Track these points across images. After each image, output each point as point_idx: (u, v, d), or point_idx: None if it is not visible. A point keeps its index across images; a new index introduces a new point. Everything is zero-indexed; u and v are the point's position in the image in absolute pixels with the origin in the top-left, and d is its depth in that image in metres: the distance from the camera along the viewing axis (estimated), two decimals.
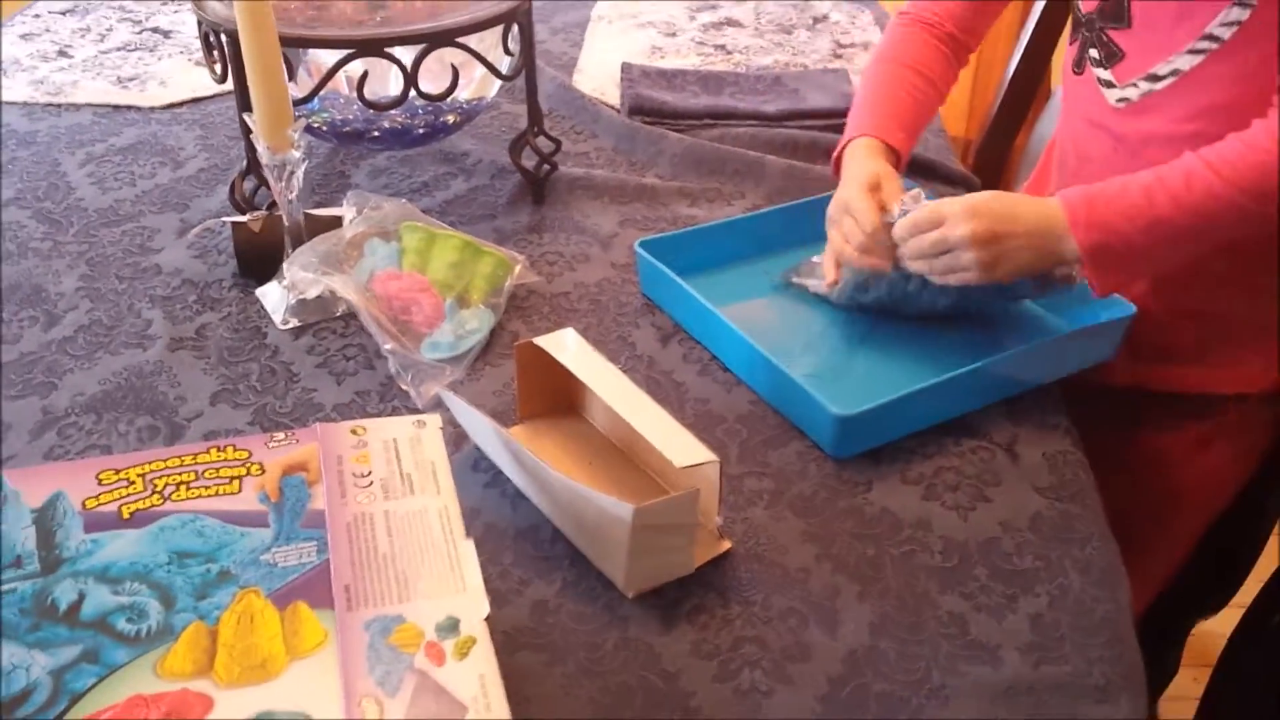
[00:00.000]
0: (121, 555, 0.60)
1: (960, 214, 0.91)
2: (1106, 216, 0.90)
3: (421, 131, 1.23)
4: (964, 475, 0.88)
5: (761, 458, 0.89)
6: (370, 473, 0.67)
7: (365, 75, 1.06)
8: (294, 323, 1.02)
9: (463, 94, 1.19)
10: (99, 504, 0.63)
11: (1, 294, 1.05)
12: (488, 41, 1.13)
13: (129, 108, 1.42)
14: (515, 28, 1.15)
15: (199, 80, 1.44)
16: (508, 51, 1.16)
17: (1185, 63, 0.94)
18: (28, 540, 0.60)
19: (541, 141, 1.24)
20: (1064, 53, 1.12)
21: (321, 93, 1.10)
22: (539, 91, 1.23)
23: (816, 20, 1.75)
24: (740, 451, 0.90)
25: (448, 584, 0.60)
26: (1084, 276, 0.92)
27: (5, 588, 0.58)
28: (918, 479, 0.88)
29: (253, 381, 0.95)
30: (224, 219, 1.11)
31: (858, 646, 0.74)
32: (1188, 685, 1.28)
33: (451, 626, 0.58)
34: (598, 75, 1.55)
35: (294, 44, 1.04)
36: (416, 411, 0.93)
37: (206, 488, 0.64)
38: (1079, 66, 1.06)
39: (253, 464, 0.66)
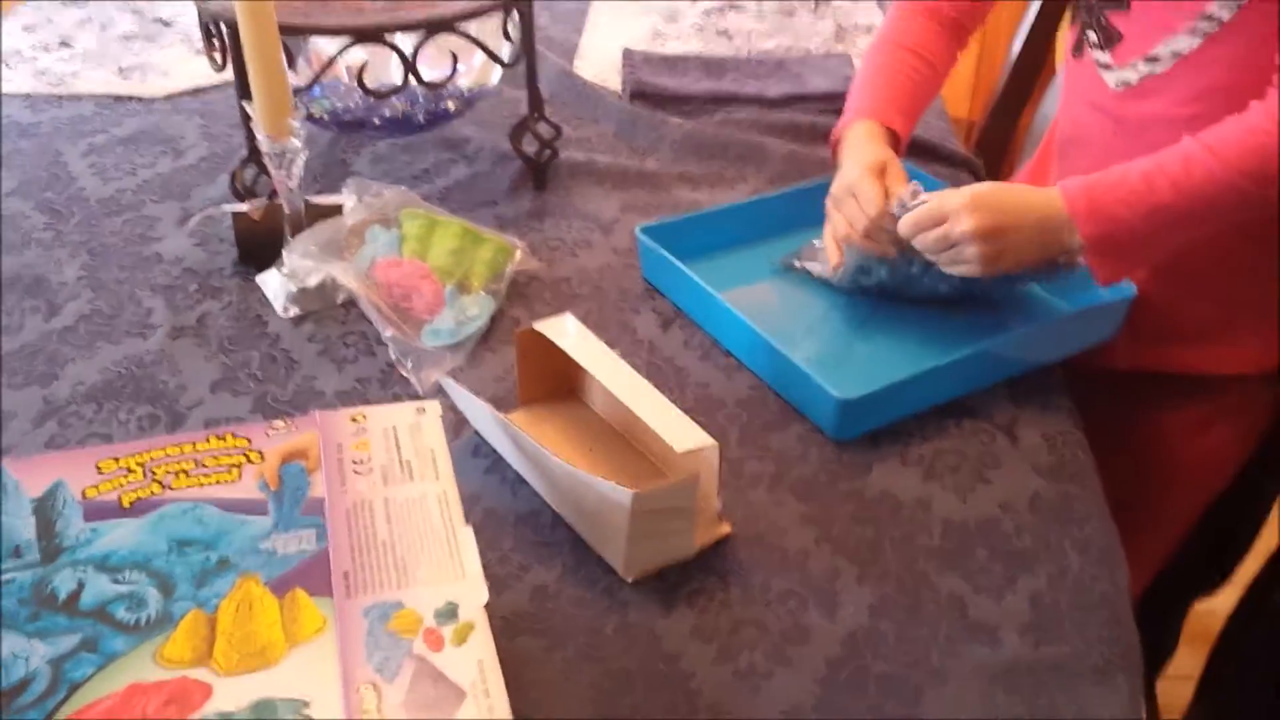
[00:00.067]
0: (121, 544, 0.60)
1: (963, 209, 0.90)
2: (1108, 206, 0.89)
3: (422, 119, 1.23)
4: (964, 457, 0.88)
5: (762, 441, 0.89)
6: (370, 459, 0.67)
7: (365, 63, 1.06)
8: (294, 310, 1.02)
9: (463, 81, 1.19)
10: (99, 493, 0.63)
11: (2, 284, 1.05)
12: (488, 28, 1.13)
13: (130, 98, 1.42)
14: (515, 13, 1.14)
15: (200, 70, 1.44)
16: (508, 38, 1.16)
17: (1184, 44, 0.94)
18: (27, 529, 0.60)
19: (542, 128, 1.23)
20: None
21: (322, 81, 1.10)
22: (540, 77, 1.23)
23: (819, 3, 1.74)
24: (741, 435, 0.90)
25: (447, 570, 0.60)
26: (1087, 264, 0.92)
27: (5, 577, 0.58)
28: (918, 461, 0.88)
29: (253, 369, 0.95)
30: (225, 207, 1.11)
31: (857, 628, 0.74)
32: (1187, 663, 1.28)
33: (450, 612, 0.58)
34: (599, 61, 1.55)
35: (293, 32, 1.03)
36: (417, 398, 0.93)
37: (206, 476, 0.65)
38: (1078, 50, 1.06)
39: (252, 452, 0.66)
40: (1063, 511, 0.84)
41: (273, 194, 1.08)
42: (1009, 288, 1.04)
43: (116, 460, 0.65)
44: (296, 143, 0.98)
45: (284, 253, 1.03)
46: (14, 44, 1.55)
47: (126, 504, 0.62)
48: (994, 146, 1.65)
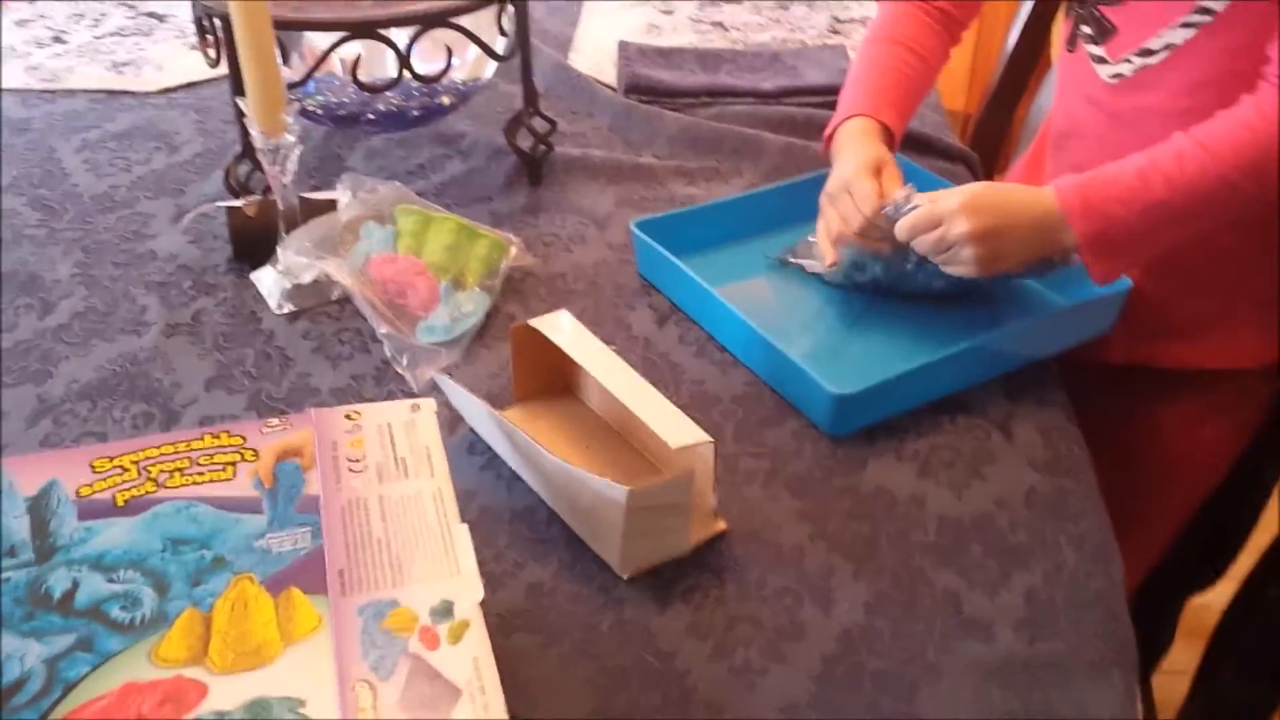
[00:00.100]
0: (116, 543, 0.60)
1: (958, 211, 0.90)
2: (1102, 204, 0.89)
3: (416, 113, 1.22)
4: (959, 452, 0.88)
5: (757, 437, 0.89)
6: (365, 457, 0.67)
7: (359, 58, 1.06)
8: (289, 307, 1.02)
9: (457, 75, 1.18)
10: (93, 492, 0.63)
11: (4, 280, 1.05)
12: (483, 21, 1.12)
13: (124, 93, 1.41)
14: (510, 7, 1.14)
15: (194, 65, 1.43)
16: (502, 31, 1.16)
17: (1178, 37, 0.94)
18: (22, 529, 0.60)
19: (537, 122, 1.23)
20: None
21: (316, 76, 1.09)
22: (535, 71, 1.22)
23: None
24: (736, 431, 0.90)
25: (442, 568, 0.60)
26: (1082, 262, 0.92)
27: (0, 576, 0.58)
28: (913, 456, 0.88)
29: (248, 367, 0.95)
30: (219, 204, 1.10)
31: (852, 625, 0.74)
32: (1183, 658, 1.28)
33: (445, 610, 0.58)
34: (594, 54, 1.54)
35: (287, 27, 1.03)
36: (413, 395, 0.93)
37: (201, 474, 0.65)
38: (1072, 43, 1.06)
39: (247, 450, 0.66)
40: (1058, 507, 0.84)
41: (267, 190, 1.08)
42: (1004, 283, 1.04)
43: (111, 459, 0.65)
44: (290, 138, 0.98)
45: (278, 249, 1.03)
46: (7, 39, 1.54)
47: (121, 503, 0.62)
48: (990, 139, 1.65)
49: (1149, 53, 0.96)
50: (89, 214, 1.16)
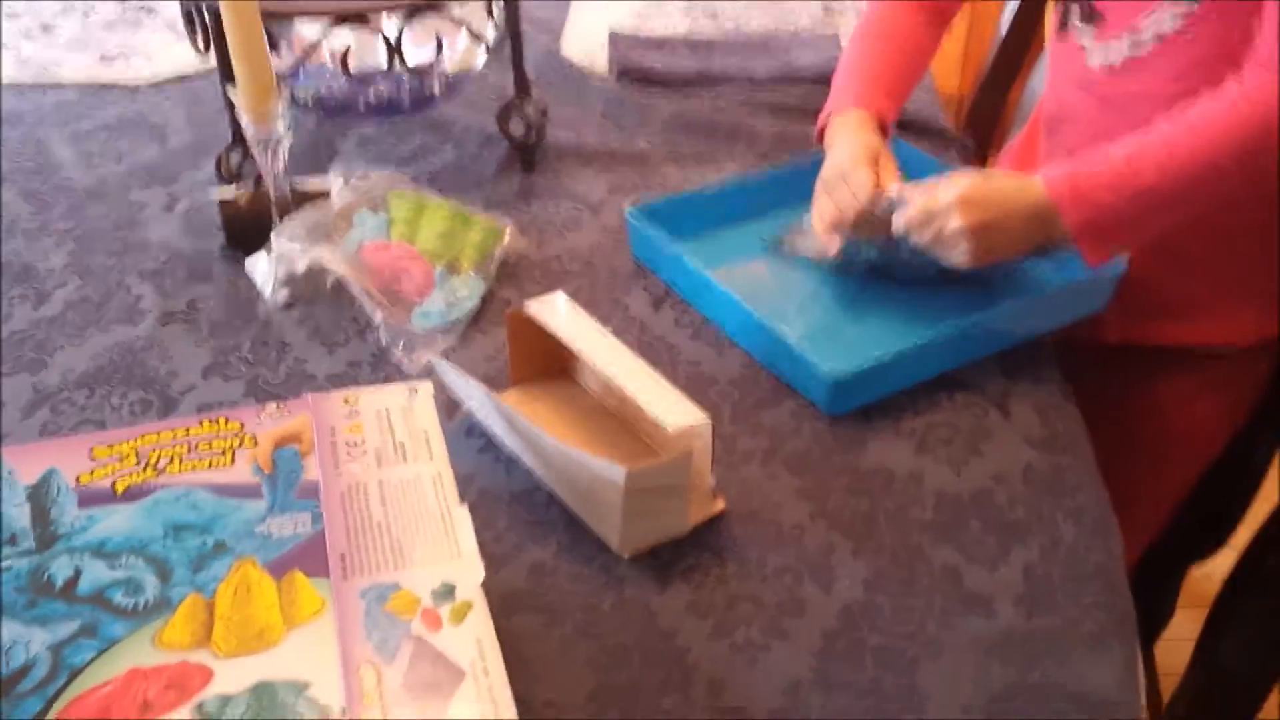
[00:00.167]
0: (116, 530, 0.60)
1: (952, 206, 0.91)
2: (1091, 192, 0.89)
3: (407, 102, 1.22)
4: (957, 430, 0.88)
5: (755, 418, 0.90)
6: (363, 442, 0.67)
7: (349, 47, 1.06)
8: (284, 295, 1.02)
9: (448, 63, 1.18)
10: (93, 479, 0.63)
11: (2, 271, 1.05)
12: (473, 9, 1.12)
13: (114, 85, 1.41)
14: None
15: (184, 55, 1.43)
16: (493, 19, 1.16)
17: (1167, 22, 0.94)
18: (22, 518, 0.60)
19: (529, 109, 1.23)
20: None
21: (306, 65, 1.09)
22: (526, 59, 1.22)
23: None
24: (733, 412, 0.90)
25: (443, 550, 0.60)
26: (1076, 248, 0.92)
27: (2, 565, 0.58)
28: (910, 434, 0.88)
29: (244, 354, 0.95)
30: (211, 193, 1.10)
31: (852, 602, 0.74)
32: (1185, 627, 1.29)
33: (447, 592, 0.58)
34: (585, 41, 1.54)
35: (276, 16, 1.03)
36: (409, 381, 0.92)
37: (200, 460, 0.65)
38: (1062, 29, 1.06)
39: (245, 436, 0.66)
40: (1055, 482, 0.84)
41: (259, 179, 1.07)
42: (999, 264, 1.04)
43: (110, 446, 0.65)
44: (281, 127, 0.97)
45: (272, 237, 1.02)
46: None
47: (120, 490, 0.62)
48: (984, 121, 1.65)
49: (1138, 38, 0.96)
50: (81, 204, 1.16)
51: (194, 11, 1.07)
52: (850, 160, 1.00)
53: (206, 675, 0.54)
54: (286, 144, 0.99)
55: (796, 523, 0.80)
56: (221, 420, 0.67)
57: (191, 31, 1.09)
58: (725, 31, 1.57)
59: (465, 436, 0.87)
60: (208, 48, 1.07)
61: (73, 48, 1.49)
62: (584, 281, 1.05)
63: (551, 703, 0.68)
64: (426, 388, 0.71)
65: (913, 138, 1.27)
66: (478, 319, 1.00)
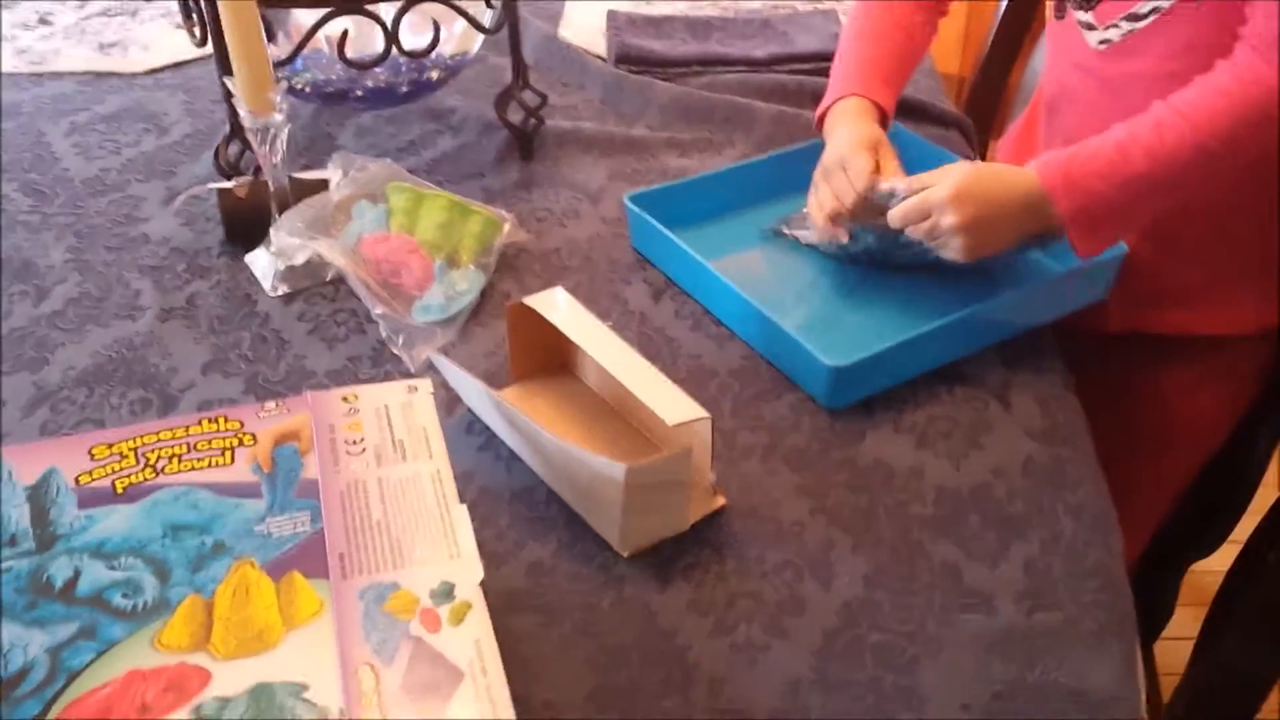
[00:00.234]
0: (116, 530, 0.60)
1: (947, 202, 0.91)
2: (1083, 179, 0.89)
3: (405, 89, 1.22)
4: (956, 423, 0.88)
5: (755, 412, 0.89)
6: (362, 440, 0.67)
7: (346, 34, 1.05)
8: (283, 289, 1.02)
9: (446, 49, 1.17)
10: (92, 479, 0.63)
11: (2, 267, 1.05)
12: None
13: (112, 74, 1.40)
14: None
15: (181, 44, 1.43)
16: (490, 4, 1.15)
17: (1164, 0, 0.93)
18: (22, 518, 0.60)
19: (527, 95, 1.22)
20: None
21: (304, 53, 1.08)
22: (523, 44, 1.21)
23: None
24: (734, 406, 0.90)
25: (442, 549, 0.60)
26: (1068, 237, 0.92)
27: (2, 566, 0.58)
28: (910, 428, 0.88)
29: (244, 350, 0.95)
30: (210, 185, 1.10)
31: (852, 598, 0.74)
32: (1186, 625, 1.29)
33: (446, 592, 0.58)
34: (584, 24, 1.53)
35: (272, 4, 1.02)
36: (409, 375, 0.93)
37: (199, 460, 0.65)
38: (1060, 10, 1.05)
39: (245, 434, 0.66)
40: (1056, 476, 0.84)
41: (258, 170, 1.07)
42: (1000, 256, 1.03)
43: (109, 446, 0.65)
44: (279, 117, 0.97)
45: (271, 230, 1.02)
46: None
47: (120, 490, 0.62)
48: (984, 102, 1.64)
49: (1136, 17, 0.96)
50: (80, 198, 1.16)
51: (190, 1, 1.06)
52: (849, 147, 1.00)
53: (205, 677, 0.54)
54: (285, 134, 0.98)
55: (796, 519, 0.80)
56: (221, 419, 0.67)
57: (189, 22, 1.09)
58: (723, 11, 1.56)
59: (465, 433, 0.87)
60: (205, 37, 1.07)
61: (70, 38, 1.49)
62: (583, 274, 1.05)
63: (550, 703, 0.68)
64: (426, 385, 0.70)
65: (913, 121, 1.27)
66: (477, 312, 1.00)
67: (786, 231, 1.08)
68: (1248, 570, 1.10)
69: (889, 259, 1.02)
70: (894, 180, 0.97)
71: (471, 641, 0.56)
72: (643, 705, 0.68)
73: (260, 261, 1.04)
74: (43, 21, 1.53)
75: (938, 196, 0.91)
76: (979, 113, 1.61)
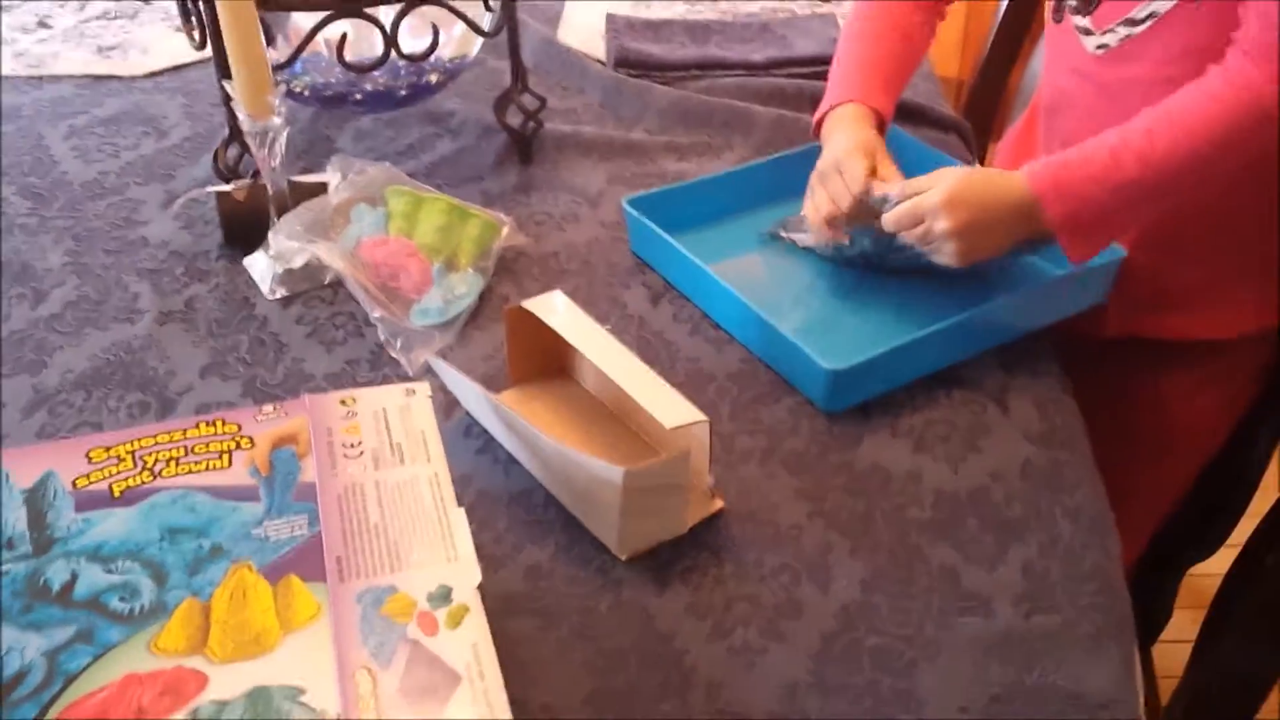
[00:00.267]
0: (113, 534, 0.60)
1: (939, 208, 0.91)
2: (1073, 185, 0.89)
3: (404, 93, 1.22)
4: (954, 426, 0.88)
5: (753, 415, 0.89)
6: (360, 443, 0.67)
7: (345, 37, 1.05)
8: (282, 292, 1.02)
9: (445, 52, 1.17)
10: (90, 483, 0.63)
11: (2, 270, 1.05)
12: None
13: (111, 77, 1.40)
14: None
15: (180, 47, 1.42)
16: (488, 7, 1.15)
17: (1161, 5, 0.93)
18: (19, 521, 0.60)
19: (527, 99, 1.23)
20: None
21: (302, 56, 1.08)
22: (523, 47, 1.22)
23: None
24: (732, 410, 0.90)
25: (439, 553, 0.61)
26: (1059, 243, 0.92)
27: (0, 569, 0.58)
28: (908, 432, 0.88)
29: (242, 353, 0.95)
30: (208, 189, 1.10)
31: (850, 602, 0.74)
32: (1184, 628, 1.29)
33: (444, 596, 0.58)
34: (583, 28, 1.53)
35: (271, 7, 1.02)
36: (408, 379, 0.93)
37: (197, 463, 0.65)
38: (1058, 15, 1.05)
39: (242, 438, 0.66)
40: (1054, 479, 0.84)
41: (256, 174, 1.07)
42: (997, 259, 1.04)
43: (107, 449, 0.65)
44: (278, 120, 0.97)
45: (269, 234, 1.02)
46: None
47: (117, 493, 0.62)
48: (983, 105, 1.64)
49: (1133, 22, 0.96)
50: (79, 201, 1.16)
51: (190, 3, 1.07)
52: (845, 152, 1.00)
53: (202, 681, 0.54)
54: (283, 138, 0.98)
55: (794, 522, 0.80)
56: (219, 422, 0.67)
57: (188, 25, 1.09)
58: (722, 15, 1.56)
59: (463, 436, 0.87)
60: (204, 40, 1.07)
61: (69, 41, 1.49)
62: (582, 278, 1.05)
63: (548, 706, 0.68)
64: (424, 388, 0.70)
65: (912, 124, 1.27)
66: (476, 315, 1.00)
67: (784, 235, 1.08)
68: (1246, 573, 1.10)
69: (885, 262, 1.02)
70: (888, 185, 0.97)
71: (469, 645, 0.56)
72: (640, 708, 0.68)
73: (259, 265, 1.04)
74: (42, 25, 1.53)
75: (930, 202, 0.91)
76: (978, 116, 1.61)
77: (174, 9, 1.54)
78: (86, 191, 1.17)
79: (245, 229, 1.06)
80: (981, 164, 1.33)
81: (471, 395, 0.85)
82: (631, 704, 0.68)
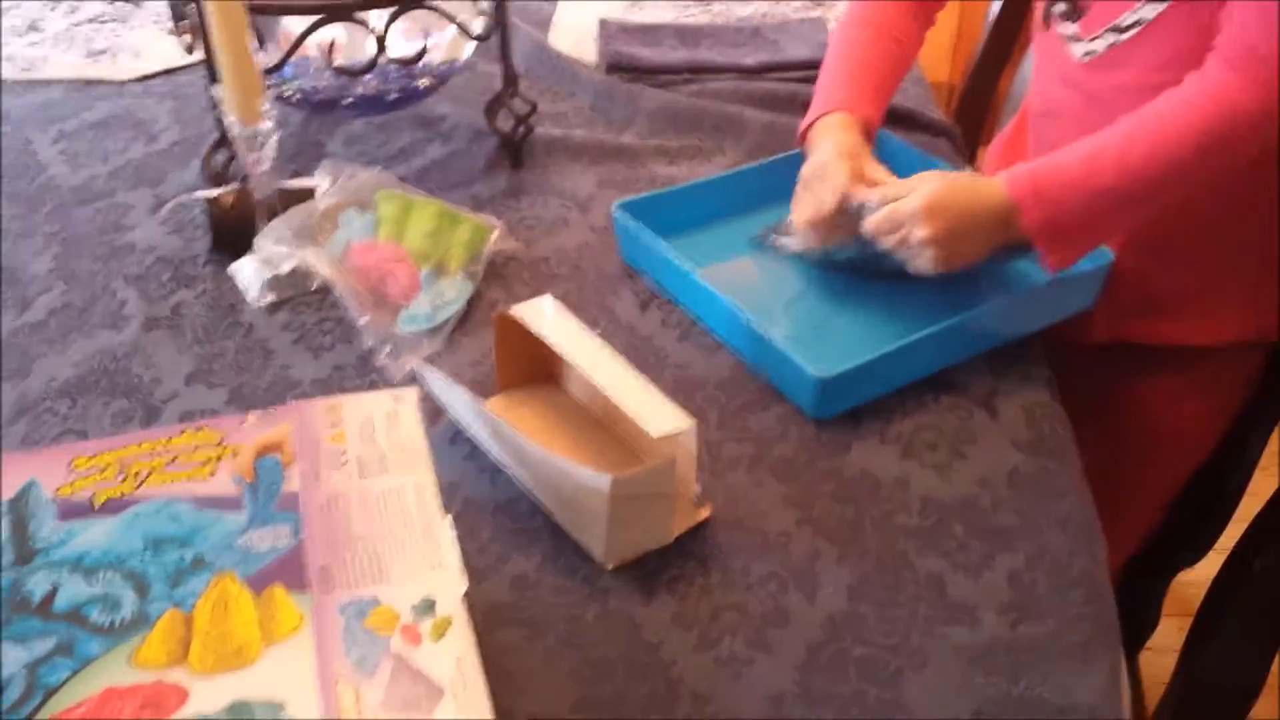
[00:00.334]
0: (95, 544, 0.60)
1: (917, 215, 0.91)
2: (1051, 191, 0.89)
3: (395, 97, 1.21)
4: (942, 433, 0.88)
5: (741, 422, 0.89)
6: (346, 451, 0.66)
7: (335, 41, 1.05)
8: (269, 298, 1.01)
9: (435, 56, 1.17)
10: (72, 491, 0.63)
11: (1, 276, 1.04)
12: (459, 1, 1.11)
13: (101, 82, 1.40)
14: None
15: (171, 51, 1.42)
16: (480, 11, 1.15)
17: (1148, 11, 0.93)
18: (1, 531, 0.60)
19: (517, 103, 1.22)
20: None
21: (293, 60, 1.08)
22: (514, 51, 1.21)
23: None
24: (720, 417, 0.90)
25: (424, 563, 0.60)
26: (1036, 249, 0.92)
27: None
28: (896, 438, 0.88)
29: (229, 360, 0.95)
30: (197, 194, 1.09)
31: (836, 611, 0.74)
32: (1171, 636, 1.29)
33: (428, 607, 0.58)
34: (574, 31, 1.53)
35: (261, 11, 1.02)
36: (395, 385, 0.92)
37: (180, 472, 0.64)
38: (1046, 22, 1.05)
39: (226, 446, 0.66)
40: (1041, 486, 0.84)
41: (245, 179, 1.07)
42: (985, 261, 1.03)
43: (90, 458, 0.64)
44: (267, 125, 0.97)
45: (257, 239, 1.02)
46: None
47: (100, 502, 0.62)
48: (973, 110, 1.64)
49: (1120, 29, 0.96)
50: (66, 206, 1.15)
51: (182, 6, 1.06)
52: (830, 156, 0.99)
53: (182, 695, 0.53)
54: (273, 142, 0.98)
55: (782, 530, 0.80)
56: (203, 429, 0.67)
57: (179, 27, 1.08)
58: (714, 18, 1.56)
59: (450, 444, 0.86)
60: (195, 44, 1.06)
61: (59, 44, 1.48)
62: (572, 284, 1.05)
63: (535, 717, 0.67)
64: (411, 396, 0.70)
65: (902, 129, 1.27)
66: (464, 321, 1.00)
67: (773, 239, 1.08)
68: (1233, 578, 1.10)
69: (869, 267, 1.02)
70: (867, 192, 0.96)
71: (453, 658, 0.56)
72: (627, 719, 0.68)
73: (246, 270, 1.03)
74: (32, 28, 1.53)
75: (908, 208, 0.91)
76: (968, 121, 1.61)
77: (165, 11, 1.54)
78: (74, 196, 1.17)
79: (234, 234, 1.05)
80: (973, 168, 1.32)
81: (458, 402, 0.85)
82: (618, 714, 0.68)
